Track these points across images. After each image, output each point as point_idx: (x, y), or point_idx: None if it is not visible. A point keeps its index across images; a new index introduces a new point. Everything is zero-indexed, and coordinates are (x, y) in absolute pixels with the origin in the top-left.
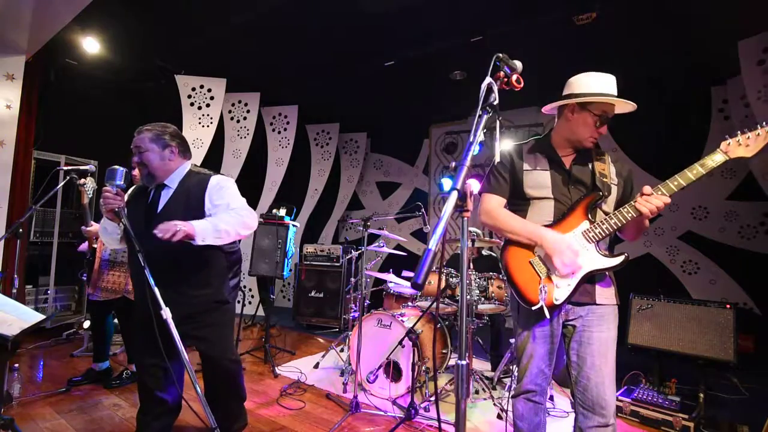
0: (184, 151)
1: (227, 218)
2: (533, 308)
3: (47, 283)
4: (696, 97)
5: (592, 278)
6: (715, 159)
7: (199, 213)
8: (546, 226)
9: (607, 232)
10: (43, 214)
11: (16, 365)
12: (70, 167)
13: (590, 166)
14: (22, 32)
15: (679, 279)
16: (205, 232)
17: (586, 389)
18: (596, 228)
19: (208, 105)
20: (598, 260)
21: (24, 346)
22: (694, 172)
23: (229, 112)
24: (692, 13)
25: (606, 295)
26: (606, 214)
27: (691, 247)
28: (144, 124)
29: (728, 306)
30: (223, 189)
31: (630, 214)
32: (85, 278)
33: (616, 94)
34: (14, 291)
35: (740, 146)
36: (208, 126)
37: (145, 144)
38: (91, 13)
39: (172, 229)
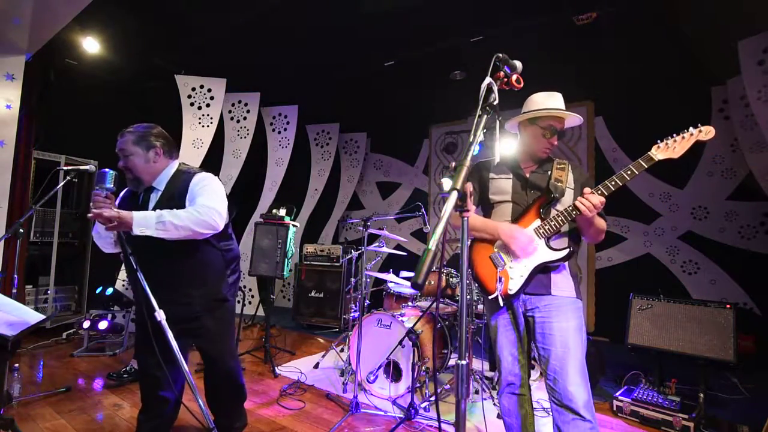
0: (170, 150)
1: (180, 212)
2: (490, 297)
3: (47, 283)
4: (696, 97)
5: (546, 270)
6: (643, 163)
7: None
8: None
9: (555, 228)
10: (43, 214)
11: (16, 365)
12: (70, 167)
13: (549, 173)
14: (22, 32)
15: (679, 279)
16: (145, 221)
17: (555, 382)
18: (546, 225)
19: (208, 105)
20: (546, 254)
21: (24, 346)
22: (629, 173)
23: (229, 112)
24: (692, 13)
25: (562, 286)
26: None
27: (691, 247)
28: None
29: (728, 306)
30: (201, 186)
31: (575, 212)
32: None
33: (558, 107)
34: (14, 291)
35: (668, 149)
36: (208, 126)
37: (128, 147)
38: (91, 13)
39: (103, 211)
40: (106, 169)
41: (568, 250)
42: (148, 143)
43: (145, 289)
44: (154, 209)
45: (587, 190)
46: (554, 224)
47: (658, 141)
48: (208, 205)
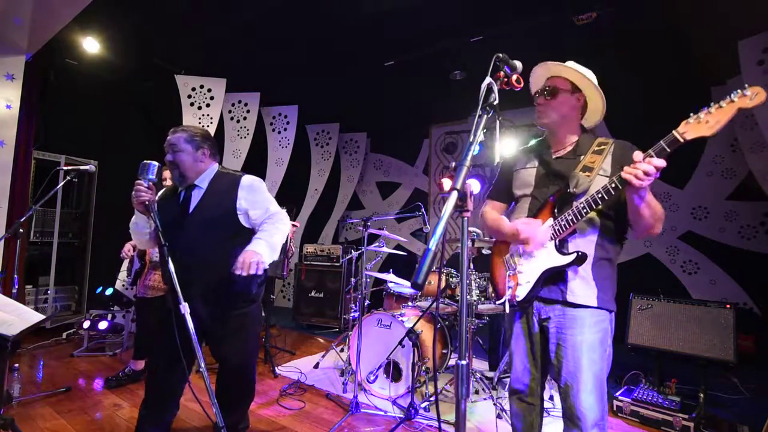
0: (215, 153)
1: (274, 230)
2: (497, 302)
3: (47, 283)
4: (696, 97)
5: (563, 276)
6: (665, 146)
7: (231, 212)
8: None
9: (565, 228)
10: (43, 214)
11: (16, 365)
12: (70, 167)
13: (581, 158)
14: (22, 32)
15: (679, 279)
16: (270, 251)
17: (565, 396)
18: (556, 225)
19: (208, 105)
20: (554, 258)
21: (24, 346)
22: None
23: (229, 112)
24: (692, 13)
25: (580, 293)
26: None
27: (691, 247)
28: (145, 124)
29: (728, 306)
30: (257, 191)
31: (599, 197)
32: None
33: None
34: (14, 291)
35: (700, 124)
36: (208, 126)
37: (180, 144)
38: (91, 13)
39: (250, 264)
40: (150, 161)
41: (575, 254)
42: (197, 143)
43: (173, 280)
44: (198, 205)
45: (638, 154)
46: (564, 223)
47: (691, 114)
48: (281, 210)
